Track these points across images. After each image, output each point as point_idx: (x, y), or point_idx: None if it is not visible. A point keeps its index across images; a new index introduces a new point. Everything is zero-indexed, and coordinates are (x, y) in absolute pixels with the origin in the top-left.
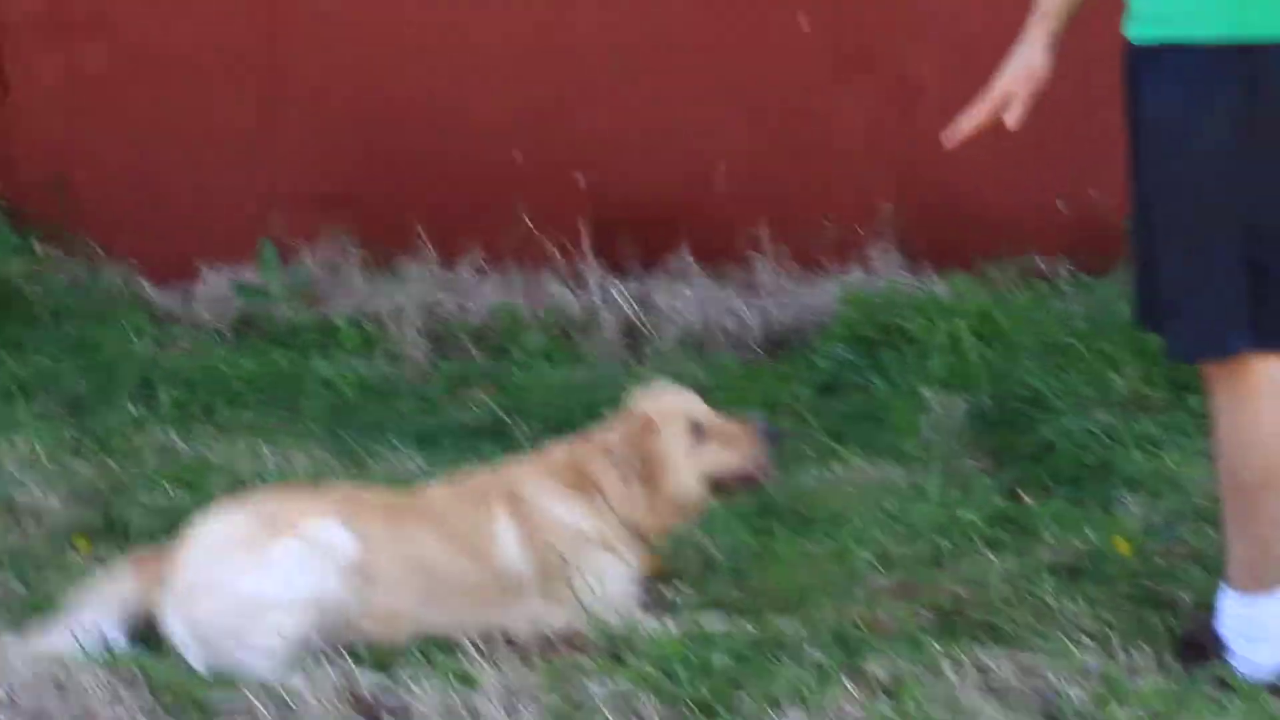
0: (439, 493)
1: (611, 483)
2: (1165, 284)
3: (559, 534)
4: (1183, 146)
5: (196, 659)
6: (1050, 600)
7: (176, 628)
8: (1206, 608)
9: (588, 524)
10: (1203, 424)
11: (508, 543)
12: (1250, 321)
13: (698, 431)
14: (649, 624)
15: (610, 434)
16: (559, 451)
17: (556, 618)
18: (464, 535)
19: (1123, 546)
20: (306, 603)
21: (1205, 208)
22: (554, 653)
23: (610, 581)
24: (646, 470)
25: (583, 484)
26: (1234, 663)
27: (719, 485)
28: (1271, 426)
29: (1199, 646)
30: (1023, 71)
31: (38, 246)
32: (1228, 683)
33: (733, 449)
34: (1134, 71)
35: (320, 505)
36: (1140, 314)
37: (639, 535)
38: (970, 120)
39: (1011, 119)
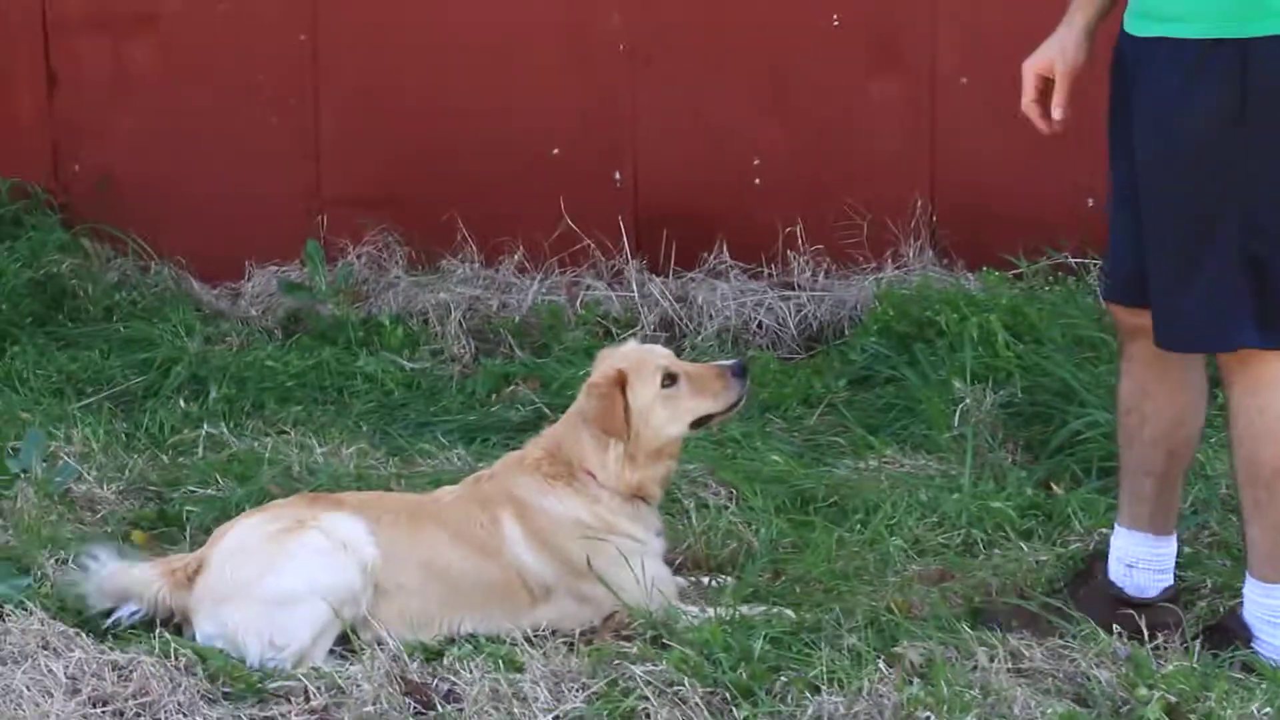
0: (450, 497)
1: (592, 456)
2: (1158, 273)
3: (560, 529)
4: (1178, 139)
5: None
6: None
7: (207, 630)
8: (1235, 595)
9: (585, 513)
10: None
11: (518, 545)
12: (1252, 316)
13: (671, 379)
14: (689, 610)
15: (582, 401)
16: (539, 443)
17: (588, 614)
18: (477, 538)
19: None
20: (328, 593)
21: (1200, 199)
22: (598, 639)
23: (625, 566)
24: (622, 422)
25: (565, 468)
26: (1260, 649)
27: (698, 424)
28: None
29: (1225, 632)
30: (1055, 52)
31: (87, 244)
32: (1252, 667)
33: (706, 392)
34: (1132, 64)
35: (340, 506)
36: (1111, 291)
37: (639, 495)
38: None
39: (1056, 110)
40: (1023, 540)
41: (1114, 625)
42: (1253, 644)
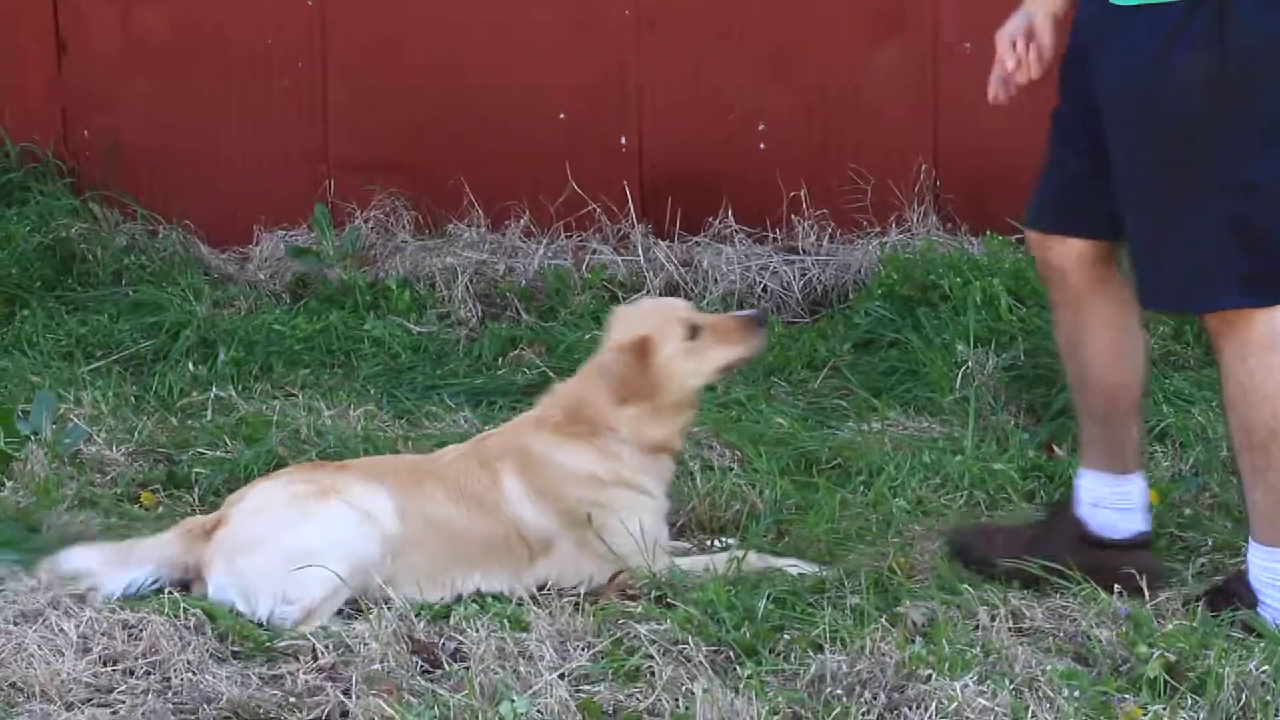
0: (454, 456)
1: (616, 413)
2: (1137, 235)
3: (572, 483)
4: (1158, 103)
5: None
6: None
7: (220, 579)
8: (1235, 555)
9: (600, 466)
10: None
11: (517, 499)
12: (1238, 276)
13: (694, 332)
14: (697, 563)
15: (604, 356)
16: (556, 402)
17: (590, 567)
18: (475, 494)
19: (1153, 496)
20: (347, 558)
21: (1180, 161)
22: (604, 598)
23: (632, 520)
24: (650, 384)
25: (587, 427)
26: (1266, 614)
27: (721, 372)
28: (1274, 380)
29: (1228, 595)
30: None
31: (95, 209)
32: (1252, 627)
33: (729, 342)
34: (1102, 32)
35: (359, 474)
36: (1031, 215)
37: (658, 450)
38: (994, 85)
39: (1021, 76)
40: (1025, 501)
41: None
42: (1258, 608)
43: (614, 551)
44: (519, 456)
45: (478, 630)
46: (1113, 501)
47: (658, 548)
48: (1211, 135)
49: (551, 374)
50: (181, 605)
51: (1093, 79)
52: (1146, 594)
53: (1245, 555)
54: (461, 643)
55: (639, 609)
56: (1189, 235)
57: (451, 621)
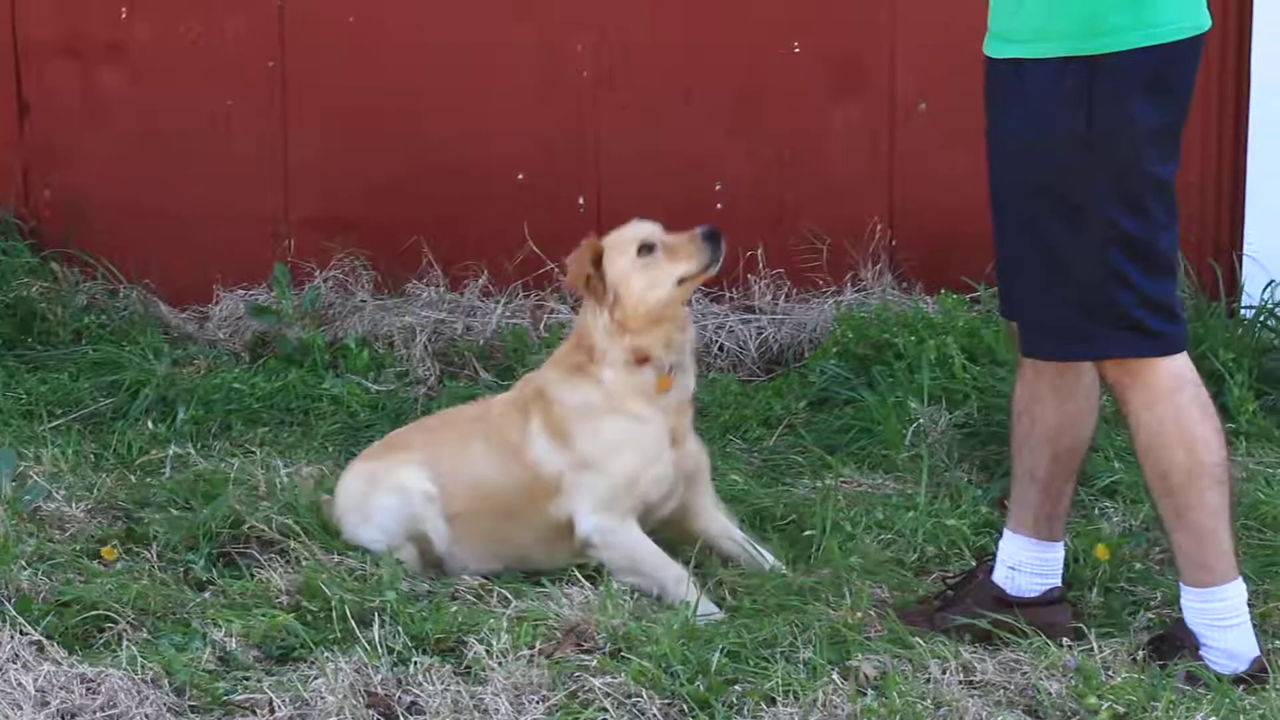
0: (502, 405)
1: (593, 329)
2: (1022, 285)
3: (573, 417)
4: (1035, 156)
5: None
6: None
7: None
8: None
9: (595, 395)
10: None
11: (536, 439)
12: (1127, 325)
13: (647, 249)
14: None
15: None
16: (570, 335)
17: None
18: (511, 442)
19: (1101, 552)
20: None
21: (1059, 214)
22: (559, 650)
23: (620, 459)
24: (595, 288)
25: (584, 355)
26: (1209, 656)
27: (681, 283)
28: (1186, 420)
29: (1171, 641)
30: None
31: (56, 268)
32: (1199, 677)
33: (680, 257)
34: (995, 86)
35: (405, 455)
36: (1002, 307)
37: (639, 359)
38: None
39: None
40: (976, 557)
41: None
42: (1201, 651)
43: (597, 494)
44: (537, 394)
45: (434, 683)
46: (1033, 566)
47: (626, 523)
48: (1086, 187)
49: None
50: (139, 660)
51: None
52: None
53: (1180, 602)
54: (418, 696)
55: (594, 662)
56: (1072, 285)
57: (409, 672)
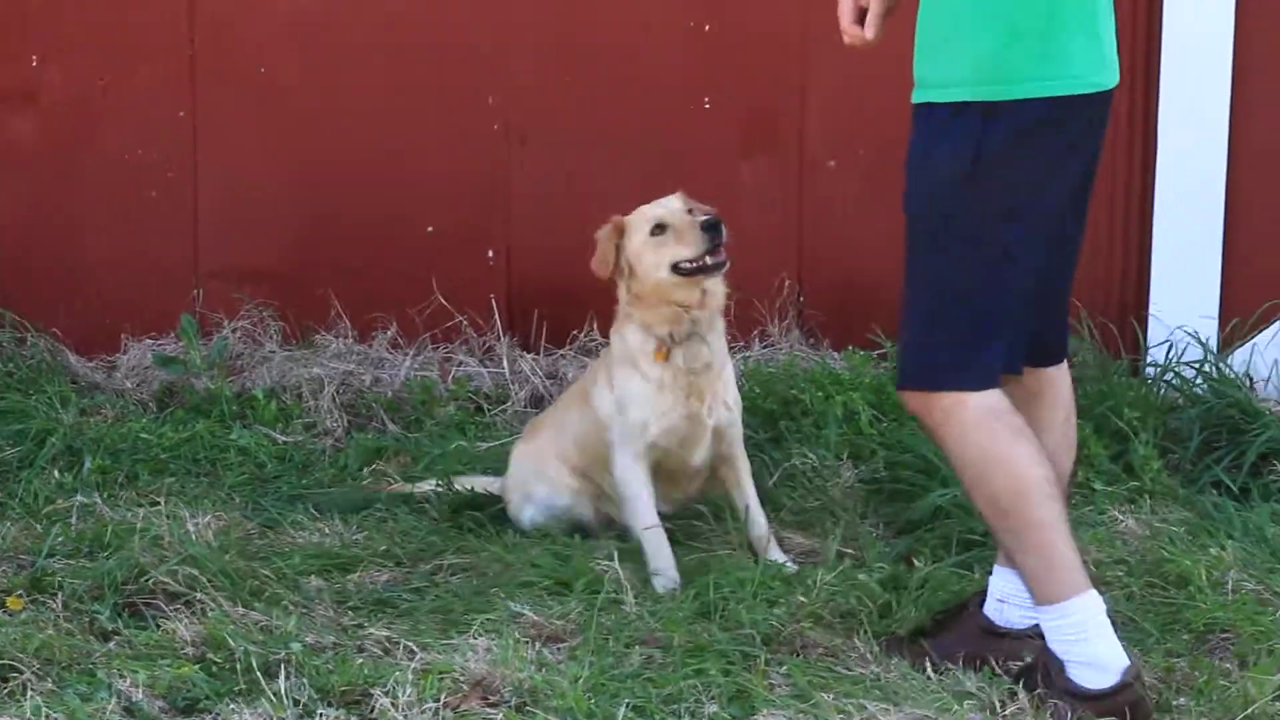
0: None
1: (621, 290)
2: (903, 325)
3: (611, 363)
4: (917, 193)
5: None
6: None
7: None
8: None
9: (619, 349)
10: (1087, 493)
11: (597, 385)
12: (967, 362)
13: (659, 229)
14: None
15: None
16: None
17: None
18: (588, 393)
19: None
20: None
21: (932, 249)
22: (465, 703)
23: (638, 397)
24: (610, 266)
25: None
26: (1076, 676)
27: (678, 270)
28: (1004, 445)
29: (1039, 670)
30: None
31: None
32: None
33: (680, 242)
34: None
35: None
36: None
37: (650, 325)
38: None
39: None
40: (881, 615)
41: (981, 656)
42: (1067, 673)
43: (617, 433)
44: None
45: None
46: (1020, 600)
47: (636, 463)
48: (956, 229)
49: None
50: (44, 711)
51: None
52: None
53: (1039, 627)
54: None
55: (499, 715)
56: (933, 317)
57: None
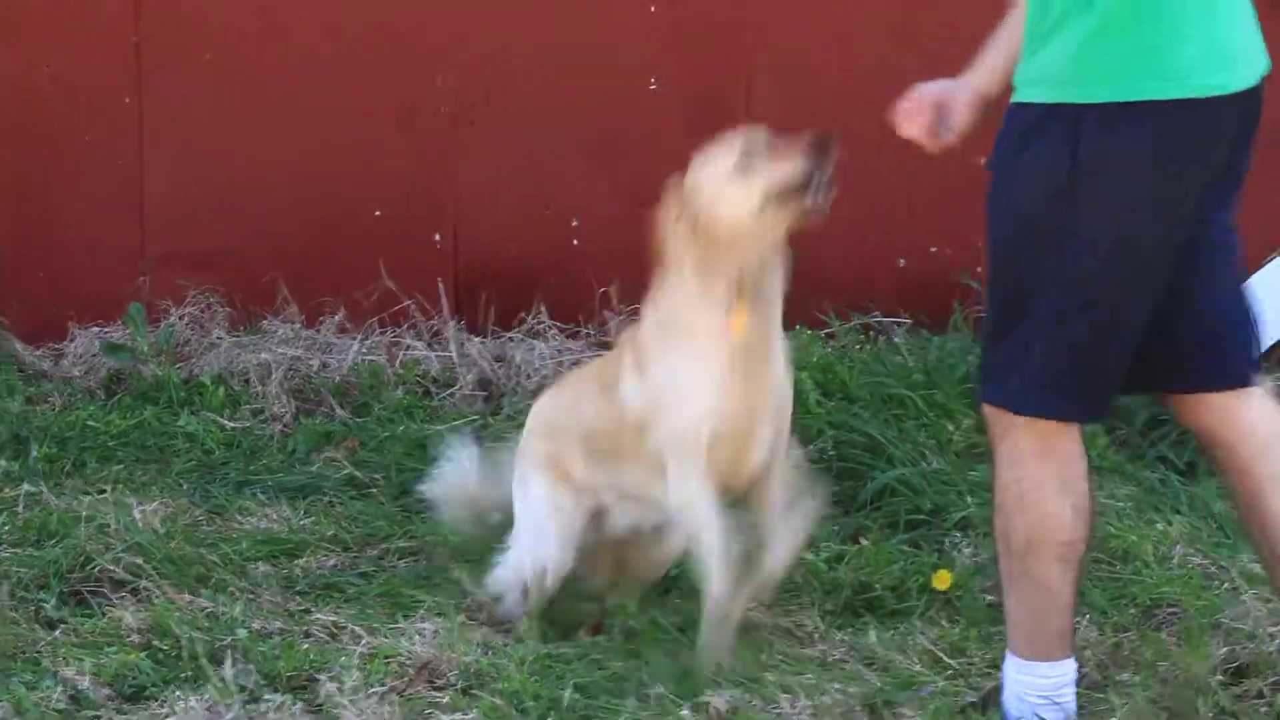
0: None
1: (668, 237)
2: (986, 329)
3: (645, 342)
4: (1004, 203)
5: None
6: (874, 636)
7: None
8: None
9: (666, 315)
10: None
11: (627, 375)
12: (1060, 389)
13: (745, 158)
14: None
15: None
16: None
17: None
18: (610, 378)
19: (942, 582)
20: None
21: (1025, 264)
22: (410, 687)
23: (682, 373)
24: (705, 230)
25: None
26: None
27: (779, 203)
28: (1036, 491)
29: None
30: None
31: None
32: None
33: (780, 160)
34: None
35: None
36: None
37: (711, 291)
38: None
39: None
40: (826, 592)
41: None
42: None
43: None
44: (632, 339)
45: None
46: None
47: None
48: (1055, 245)
49: (356, 474)
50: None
51: None
52: None
53: (1002, 669)
54: None
55: (445, 699)
56: (1026, 337)
57: (261, 710)
